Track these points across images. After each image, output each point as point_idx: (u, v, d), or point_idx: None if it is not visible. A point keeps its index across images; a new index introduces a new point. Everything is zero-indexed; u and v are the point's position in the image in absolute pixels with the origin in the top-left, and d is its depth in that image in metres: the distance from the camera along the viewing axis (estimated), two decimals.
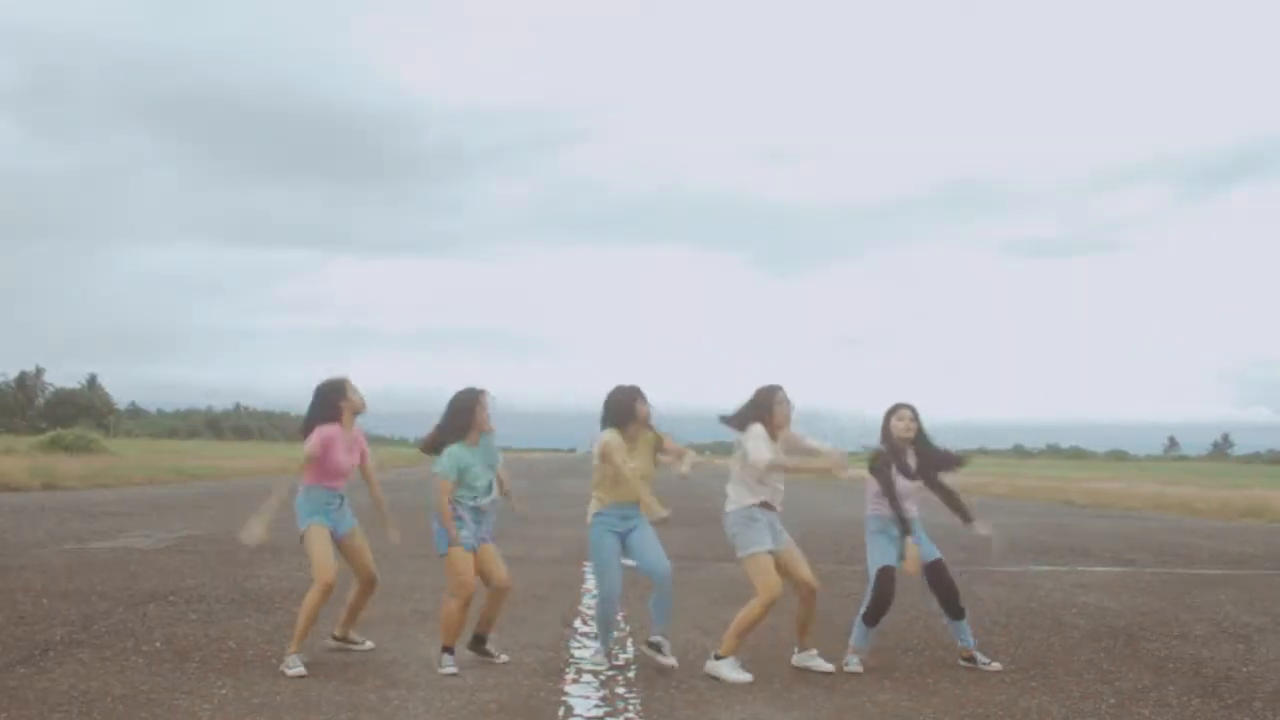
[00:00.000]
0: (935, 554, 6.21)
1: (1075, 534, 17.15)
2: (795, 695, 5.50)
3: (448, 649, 5.84)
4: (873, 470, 6.24)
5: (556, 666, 6.01)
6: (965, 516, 6.26)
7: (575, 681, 5.68)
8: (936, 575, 6.18)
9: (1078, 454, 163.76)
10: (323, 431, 6.02)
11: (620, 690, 5.51)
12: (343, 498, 6.16)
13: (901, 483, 6.15)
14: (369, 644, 6.36)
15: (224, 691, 5.25)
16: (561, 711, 5.10)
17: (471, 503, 5.95)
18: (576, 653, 6.38)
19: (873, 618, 6.14)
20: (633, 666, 6.05)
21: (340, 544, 6.12)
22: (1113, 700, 5.56)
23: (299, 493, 6.08)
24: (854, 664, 6.07)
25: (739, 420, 6.15)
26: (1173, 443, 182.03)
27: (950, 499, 6.26)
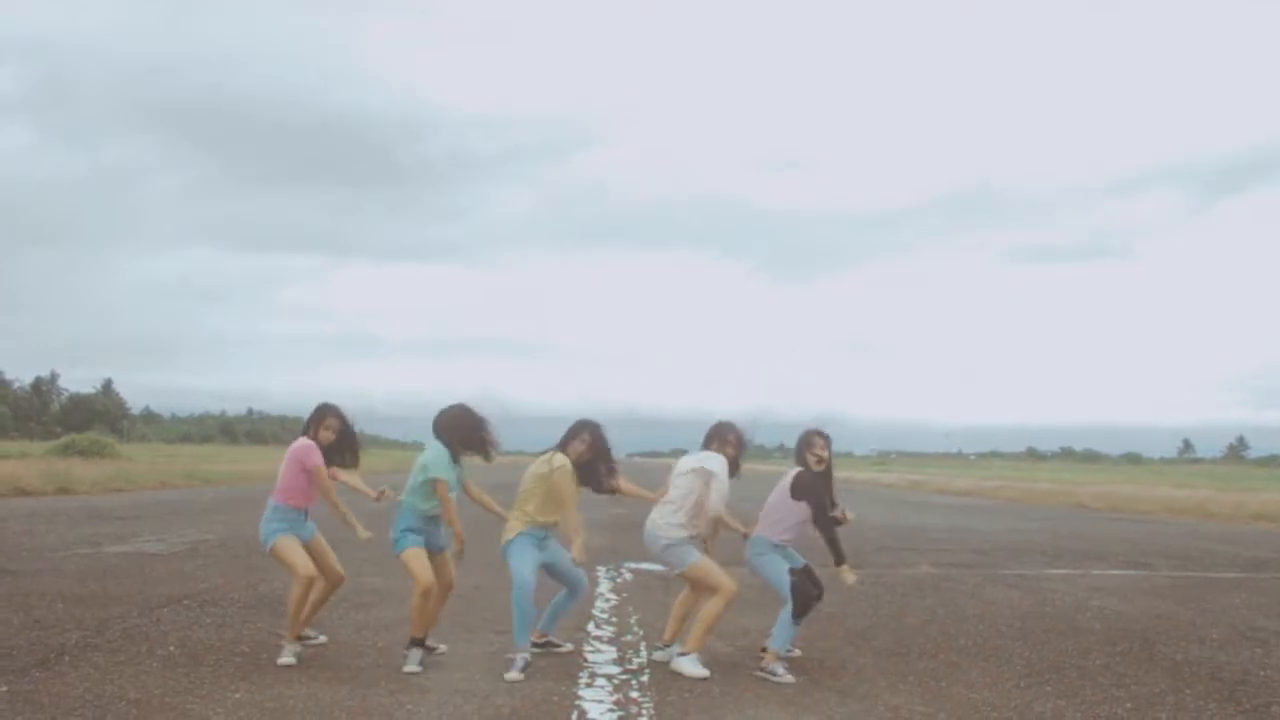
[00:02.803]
0: (803, 561, 6.41)
1: (1089, 538, 17.07)
2: (808, 700, 5.49)
3: (420, 642, 6.00)
4: (805, 492, 6.23)
5: (570, 671, 6.01)
6: (839, 559, 6.20)
7: (589, 686, 5.68)
8: (808, 578, 6.27)
9: (1091, 457, 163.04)
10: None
11: (634, 695, 5.50)
12: (306, 512, 6.31)
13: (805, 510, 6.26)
14: (323, 638, 6.58)
15: (238, 695, 5.27)
16: (575, 716, 5.10)
17: (423, 509, 6.10)
18: (590, 657, 6.38)
19: (801, 612, 6.16)
20: (646, 671, 6.05)
21: (308, 547, 6.26)
22: (1130, 704, 5.53)
23: (266, 510, 6.22)
24: (785, 674, 5.93)
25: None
26: (1187, 445, 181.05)
27: (832, 537, 6.20)
